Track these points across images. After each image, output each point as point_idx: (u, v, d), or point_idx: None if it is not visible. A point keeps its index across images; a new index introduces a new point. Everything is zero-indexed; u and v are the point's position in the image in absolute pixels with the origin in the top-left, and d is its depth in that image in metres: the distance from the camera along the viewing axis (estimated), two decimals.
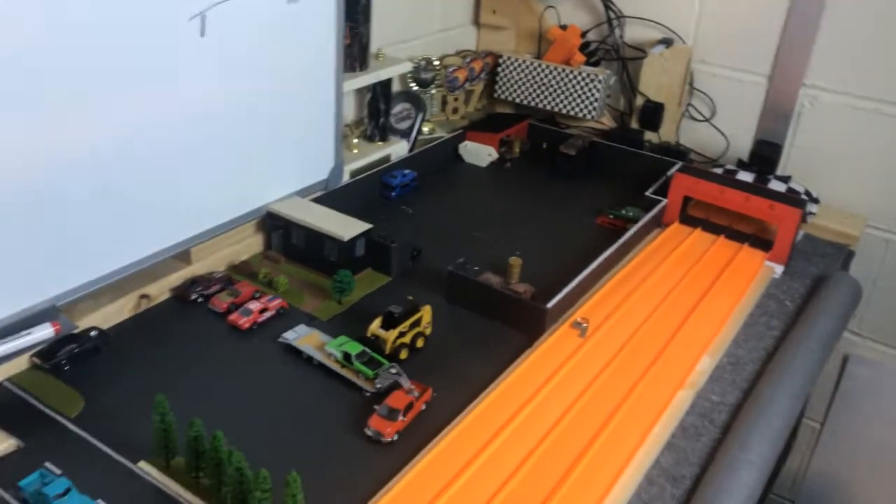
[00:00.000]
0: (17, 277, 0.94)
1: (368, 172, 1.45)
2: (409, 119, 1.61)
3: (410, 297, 1.07)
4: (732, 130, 1.67)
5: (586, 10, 1.78)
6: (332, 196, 1.35)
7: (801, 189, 1.48)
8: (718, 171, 1.52)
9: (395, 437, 0.90)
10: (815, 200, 1.51)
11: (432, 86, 1.66)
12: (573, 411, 0.96)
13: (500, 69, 1.77)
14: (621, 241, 1.27)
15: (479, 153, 1.64)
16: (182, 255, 1.14)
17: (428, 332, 1.07)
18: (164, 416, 0.81)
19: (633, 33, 1.73)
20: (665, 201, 1.41)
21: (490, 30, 1.85)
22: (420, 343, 1.06)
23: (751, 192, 1.35)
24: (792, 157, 1.62)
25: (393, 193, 1.46)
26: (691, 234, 1.40)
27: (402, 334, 1.02)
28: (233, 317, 1.08)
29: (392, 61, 1.48)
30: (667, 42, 1.66)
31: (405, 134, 1.58)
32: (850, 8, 1.48)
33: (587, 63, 1.72)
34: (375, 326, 1.03)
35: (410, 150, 1.57)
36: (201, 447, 0.79)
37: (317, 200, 1.31)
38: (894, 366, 1.64)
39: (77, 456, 0.85)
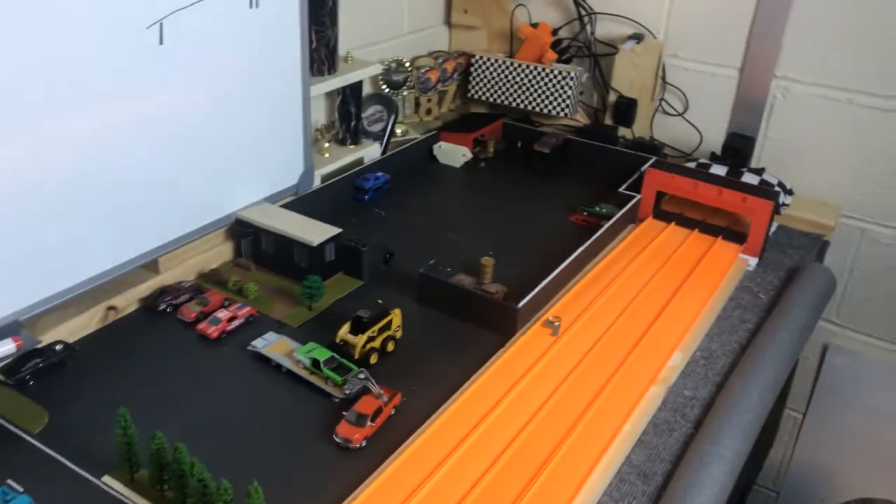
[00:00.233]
0: None
1: (341, 176, 1.44)
2: (381, 121, 1.60)
3: (380, 301, 1.07)
4: (705, 124, 1.67)
5: (557, 7, 1.78)
6: (304, 201, 1.34)
7: (774, 181, 1.48)
8: (692, 165, 1.52)
9: (364, 443, 0.89)
10: (789, 192, 1.51)
11: (404, 87, 1.66)
12: (543, 411, 0.95)
13: (472, 69, 1.77)
14: (593, 238, 1.26)
15: (453, 154, 1.64)
16: (150, 265, 1.13)
17: (398, 335, 1.07)
18: (126, 430, 0.80)
19: (604, 29, 1.73)
20: (638, 197, 1.41)
21: (462, 30, 1.85)
22: (391, 347, 1.05)
23: (723, 186, 1.34)
24: (765, 149, 1.62)
25: (366, 197, 1.45)
26: (665, 229, 1.39)
27: (371, 339, 1.02)
28: (201, 326, 1.07)
29: (361, 64, 1.47)
30: (637, 37, 1.66)
31: (378, 136, 1.57)
32: None
33: (559, 60, 1.71)
34: (344, 332, 1.02)
35: (383, 152, 1.57)
36: (164, 459, 0.78)
37: (287, 206, 1.30)
38: (872, 354, 1.64)
39: (40, 472, 0.84)
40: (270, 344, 1.04)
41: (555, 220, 1.43)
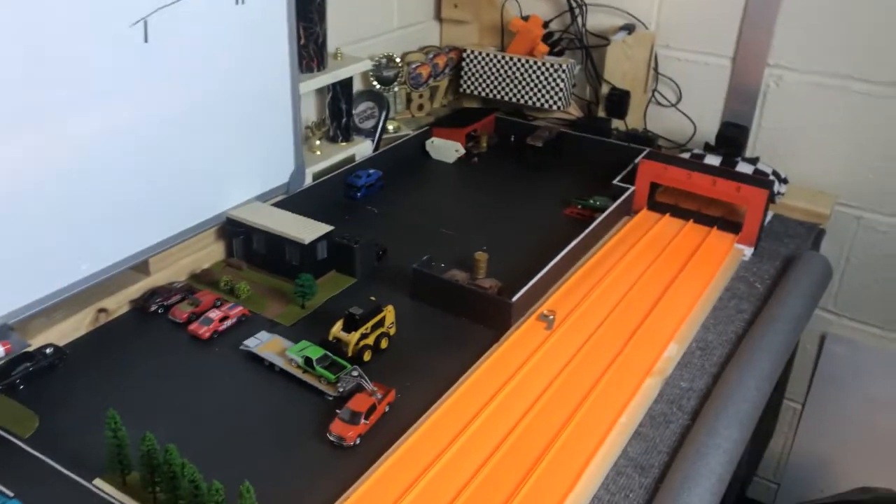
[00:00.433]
0: None
1: (332, 174, 1.43)
2: (373, 118, 1.59)
3: (373, 298, 1.06)
4: (699, 114, 1.66)
5: None
6: (295, 199, 1.33)
7: (768, 170, 1.47)
8: (686, 156, 1.51)
9: (358, 441, 0.88)
10: (784, 181, 1.50)
11: (395, 83, 1.65)
12: (539, 405, 0.94)
13: (464, 64, 1.76)
14: (587, 231, 1.25)
15: (446, 149, 1.63)
16: (140, 266, 1.12)
17: (392, 332, 1.06)
18: (116, 432, 0.79)
19: (595, 21, 1.72)
20: (632, 189, 1.40)
21: (453, 24, 1.84)
22: (384, 344, 1.04)
23: (717, 176, 1.34)
24: (760, 138, 1.62)
25: (358, 194, 1.44)
26: (660, 220, 1.39)
27: (364, 336, 1.01)
28: (193, 326, 1.06)
29: (351, 60, 1.46)
30: (629, 28, 1.65)
31: (370, 133, 1.56)
32: None
33: (551, 53, 1.70)
34: (337, 329, 1.01)
35: (375, 149, 1.56)
36: (155, 461, 0.77)
37: (279, 205, 1.29)
38: (870, 343, 1.64)
39: (30, 477, 0.83)
40: (263, 343, 1.03)
41: (549, 214, 1.42)
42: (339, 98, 1.46)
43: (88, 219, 1.03)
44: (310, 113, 1.51)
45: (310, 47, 1.34)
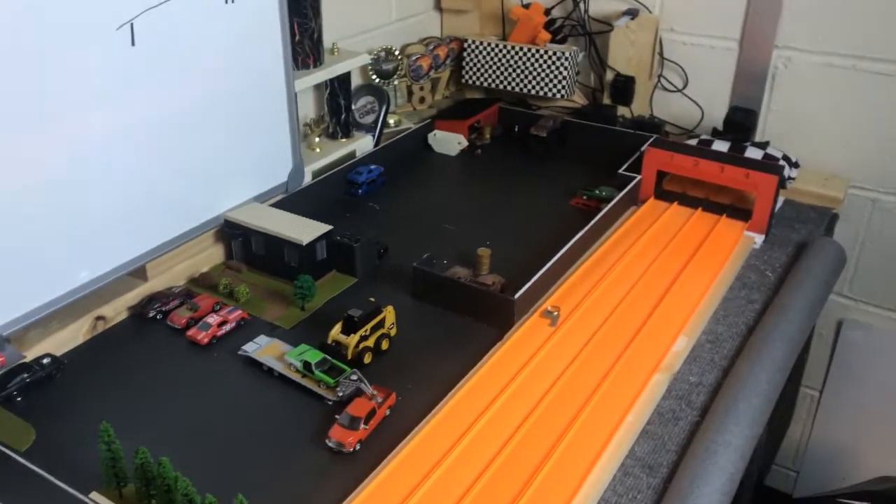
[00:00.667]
0: None
1: (333, 171, 1.41)
2: (373, 113, 1.57)
3: (372, 299, 1.04)
4: (706, 99, 1.62)
5: None
6: (295, 198, 1.31)
7: (778, 154, 1.44)
8: (693, 142, 1.47)
9: (358, 447, 0.87)
10: (795, 165, 1.46)
11: (395, 76, 1.62)
12: (542, 405, 0.92)
13: (465, 54, 1.73)
14: (591, 223, 1.23)
15: (448, 142, 1.60)
16: (137, 271, 1.11)
17: (392, 333, 1.04)
18: (110, 445, 0.78)
19: (597, 7, 1.68)
20: (639, 178, 1.37)
21: (453, 14, 1.80)
22: (385, 345, 1.02)
23: (725, 162, 1.30)
24: (769, 121, 1.58)
25: (359, 191, 1.42)
26: (667, 209, 1.35)
27: (363, 338, 0.99)
28: (191, 332, 1.04)
29: (348, 55, 1.43)
30: (632, 13, 1.62)
31: (370, 128, 1.54)
32: None
33: (553, 41, 1.67)
34: (336, 332, 0.99)
35: (376, 144, 1.54)
36: (149, 474, 0.76)
37: (278, 204, 1.27)
38: (889, 328, 1.60)
39: (27, 490, 0.82)
40: (261, 347, 1.01)
41: (554, 206, 1.40)
42: (338, 94, 1.44)
43: (83, 225, 1.01)
44: (308, 110, 1.48)
45: (305, 43, 1.32)
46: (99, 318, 1.06)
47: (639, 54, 1.62)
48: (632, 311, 1.09)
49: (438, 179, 1.53)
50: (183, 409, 0.94)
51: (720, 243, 1.26)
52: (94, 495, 0.80)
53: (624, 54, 1.63)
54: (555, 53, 1.63)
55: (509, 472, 0.84)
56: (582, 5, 1.68)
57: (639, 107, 1.66)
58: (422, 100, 1.71)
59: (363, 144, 1.50)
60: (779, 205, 1.36)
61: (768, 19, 1.50)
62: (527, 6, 1.67)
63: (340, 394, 0.92)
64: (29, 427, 0.90)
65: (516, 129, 1.65)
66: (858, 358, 1.66)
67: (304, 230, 1.15)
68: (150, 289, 1.12)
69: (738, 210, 1.33)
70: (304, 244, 1.13)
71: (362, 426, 0.87)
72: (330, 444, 0.87)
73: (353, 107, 1.50)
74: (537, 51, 1.64)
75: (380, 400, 0.91)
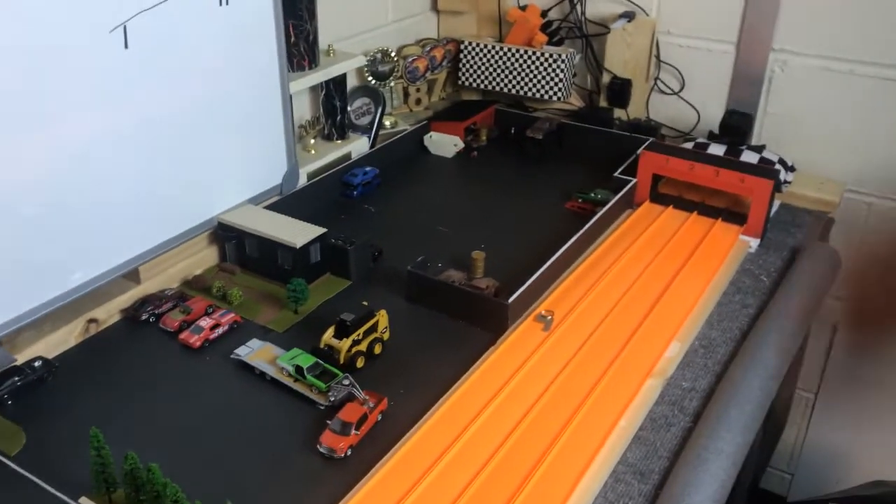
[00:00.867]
0: None
1: (328, 173, 1.40)
2: (369, 114, 1.56)
3: (365, 303, 1.04)
4: (703, 102, 1.62)
5: None
6: (289, 200, 1.31)
7: (774, 158, 1.43)
8: (689, 145, 1.47)
9: (349, 453, 0.86)
10: (791, 168, 1.46)
11: (391, 78, 1.62)
12: (535, 411, 0.92)
13: (462, 56, 1.72)
14: (587, 227, 1.22)
15: (444, 144, 1.60)
16: (130, 274, 1.10)
17: (385, 337, 1.03)
18: (100, 451, 0.77)
19: (594, 9, 1.68)
20: (634, 181, 1.37)
21: (450, 15, 1.80)
22: (378, 349, 1.02)
23: (720, 166, 1.30)
24: (765, 125, 1.58)
25: (355, 193, 1.41)
26: (663, 212, 1.35)
27: (356, 342, 0.99)
28: (184, 335, 1.04)
29: (344, 56, 1.43)
30: (629, 16, 1.61)
31: (366, 130, 1.54)
32: None
33: (550, 43, 1.67)
34: (328, 336, 0.99)
35: (372, 146, 1.53)
36: (139, 480, 0.76)
37: (273, 206, 1.27)
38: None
39: (15, 495, 0.81)
40: (254, 351, 1.01)
41: (549, 208, 1.39)
42: (333, 95, 1.43)
43: (76, 227, 1.01)
44: (304, 111, 1.48)
45: (300, 45, 1.31)
46: (91, 320, 1.06)
47: (635, 57, 1.62)
48: (626, 316, 1.09)
49: (434, 181, 1.53)
50: (174, 413, 0.93)
51: (715, 247, 1.26)
52: (84, 500, 0.80)
53: (620, 57, 1.63)
54: (551, 55, 1.63)
55: (501, 477, 0.83)
56: (579, 7, 1.68)
57: (635, 109, 1.66)
58: (418, 101, 1.71)
59: (359, 146, 1.50)
60: (774, 209, 1.36)
61: (765, 22, 1.50)
62: (523, 8, 1.67)
63: (332, 399, 0.92)
64: (19, 431, 0.89)
65: (512, 132, 1.64)
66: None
67: (298, 233, 1.15)
68: (144, 291, 1.12)
69: (734, 214, 1.33)
70: (297, 247, 1.12)
71: (353, 432, 0.87)
72: (321, 450, 0.86)
73: (348, 108, 1.50)
74: (534, 53, 1.64)
75: (371, 405, 0.91)
